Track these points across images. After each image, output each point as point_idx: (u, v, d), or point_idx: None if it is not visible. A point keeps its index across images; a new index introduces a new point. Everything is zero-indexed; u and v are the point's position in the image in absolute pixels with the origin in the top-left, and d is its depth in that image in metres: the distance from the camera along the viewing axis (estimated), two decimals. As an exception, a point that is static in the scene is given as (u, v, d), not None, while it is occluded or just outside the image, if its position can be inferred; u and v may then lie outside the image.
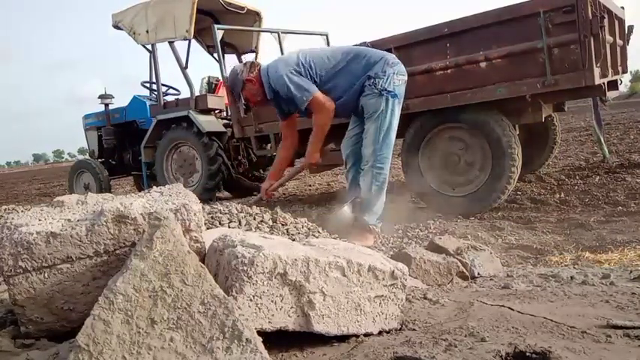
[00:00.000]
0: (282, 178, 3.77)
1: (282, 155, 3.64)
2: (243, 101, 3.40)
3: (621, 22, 3.96)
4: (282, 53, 6.21)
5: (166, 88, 6.65)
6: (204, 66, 7.18)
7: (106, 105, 6.94)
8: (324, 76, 3.22)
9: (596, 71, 3.23)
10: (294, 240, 1.88)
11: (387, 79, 3.14)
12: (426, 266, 2.03)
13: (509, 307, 1.47)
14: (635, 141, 6.85)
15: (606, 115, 11.73)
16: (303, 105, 3.19)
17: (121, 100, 7.85)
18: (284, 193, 6.53)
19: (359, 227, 3.19)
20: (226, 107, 5.84)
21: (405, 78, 3.28)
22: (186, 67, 5.96)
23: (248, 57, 6.73)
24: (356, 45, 3.98)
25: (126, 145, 7.02)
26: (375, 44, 3.88)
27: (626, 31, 4.06)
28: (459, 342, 1.20)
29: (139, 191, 2.62)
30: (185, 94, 6.27)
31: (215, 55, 6.04)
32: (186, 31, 5.46)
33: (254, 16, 6.44)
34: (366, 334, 1.35)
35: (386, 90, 3.13)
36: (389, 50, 3.74)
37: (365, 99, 3.19)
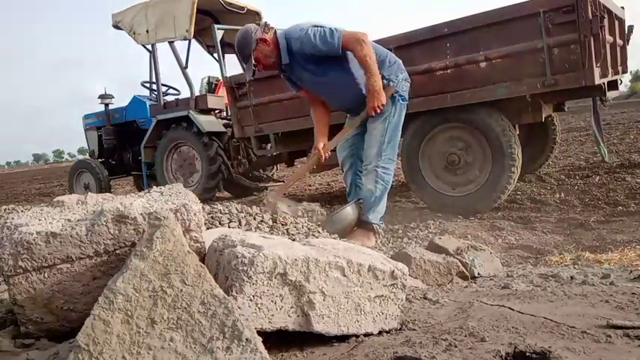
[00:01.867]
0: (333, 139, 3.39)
1: (318, 117, 3.34)
2: (252, 62, 3.13)
3: (621, 22, 3.96)
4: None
5: (166, 88, 6.66)
6: (204, 66, 7.19)
7: (106, 105, 6.94)
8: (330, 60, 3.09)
9: (596, 71, 3.24)
10: (294, 240, 1.88)
11: (398, 83, 3.16)
12: (426, 266, 2.03)
13: (509, 307, 1.47)
14: (635, 141, 6.85)
15: (606, 115, 11.74)
16: (338, 46, 2.94)
17: (121, 100, 7.86)
18: (284, 193, 6.52)
19: (363, 227, 3.18)
20: (226, 107, 5.83)
21: (409, 84, 3.30)
22: (186, 67, 5.97)
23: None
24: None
25: (126, 145, 7.02)
26: (374, 44, 3.88)
27: (626, 31, 4.06)
28: (459, 342, 1.20)
29: (139, 191, 2.62)
30: (185, 94, 6.28)
31: (215, 55, 6.04)
32: (186, 31, 5.46)
33: (254, 16, 6.43)
34: (366, 334, 1.35)
35: (399, 93, 3.15)
36: (389, 50, 3.73)
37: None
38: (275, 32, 3.14)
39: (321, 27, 3.01)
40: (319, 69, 3.13)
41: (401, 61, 3.31)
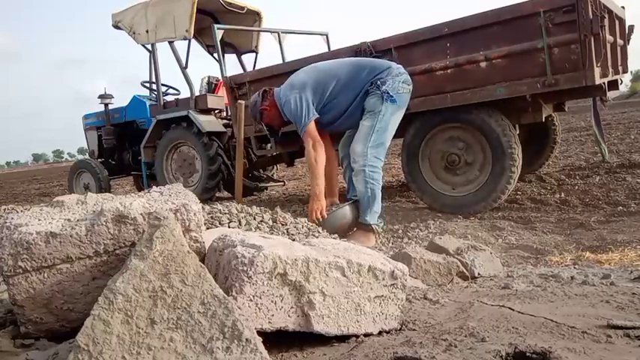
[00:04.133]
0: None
1: (324, 170, 3.30)
2: (266, 127, 3.62)
3: (621, 21, 3.95)
4: (282, 53, 6.22)
5: (166, 88, 6.65)
6: (204, 66, 7.18)
7: (106, 105, 6.93)
8: (332, 91, 3.27)
9: (597, 71, 3.23)
10: (294, 240, 1.88)
11: (391, 84, 3.19)
12: (426, 266, 2.03)
13: (509, 307, 1.46)
14: (636, 141, 6.85)
15: (606, 115, 11.74)
16: (300, 131, 3.25)
17: (121, 100, 7.86)
18: (284, 193, 6.53)
19: (361, 228, 3.19)
20: (226, 107, 5.83)
21: (410, 87, 3.32)
22: (186, 67, 5.96)
23: (248, 57, 6.74)
24: (356, 45, 3.98)
25: (126, 145, 7.02)
26: (375, 44, 3.88)
27: (627, 31, 4.06)
28: (459, 342, 1.20)
29: (139, 191, 2.62)
30: (185, 94, 6.27)
31: (215, 55, 6.03)
32: (186, 31, 5.46)
33: (254, 16, 6.43)
34: (366, 334, 1.35)
35: (387, 93, 3.16)
36: (389, 50, 3.74)
37: (367, 98, 3.23)
38: (273, 94, 3.41)
39: (298, 104, 3.20)
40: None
41: (402, 68, 3.35)
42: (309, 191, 3.31)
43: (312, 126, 3.20)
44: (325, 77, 3.29)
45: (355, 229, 3.22)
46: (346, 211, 3.23)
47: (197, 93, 5.86)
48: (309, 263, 1.28)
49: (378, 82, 3.19)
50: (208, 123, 5.57)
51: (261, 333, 1.17)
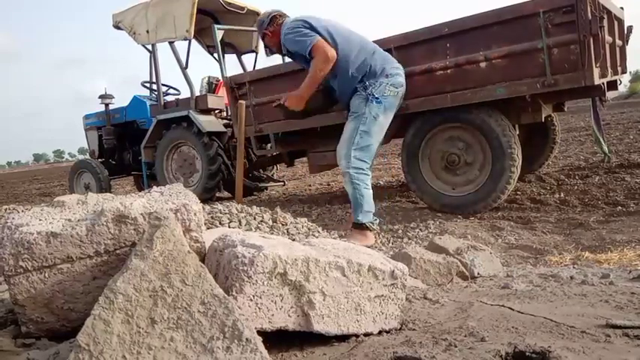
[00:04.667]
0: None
1: None
2: (265, 46, 3.62)
3: (621, 22, 3.96)
4: (282, 53, 6.22)
5: (166, 88, 6.66)
6: (204, 66, 7.19)
7: (106, 105, 6.94)
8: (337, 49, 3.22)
9: (596, 71, 3.24)
10: (294, 240, 1.89)
11: (377, 87, 3.19)
12: (426, 266, 2.03)
13: (509, 307, 1.47)
14: (635, 141, 6.85)
15: (606, 115, 11.75)
16: (307, 50, 3.13)
17: (121, 100, 7.86)
18: (284, 193, 6.53)
19: (356, 228, 3.19)
20: (226, 107, 5.84)
21: (399, 90, 3.31)
22: (187, 67, 5.96)
23: (248, 57, 6.75)
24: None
25: (126, 145, 7.02)
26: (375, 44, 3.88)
27: (626, 32, 4.06)
28: (459, 342, 1.20)
29: (139, 191, 2.63)
30: (185, 94, 6.28)
31: (215, 55, 6.04)
32: (187, 31, 5.46)
33: (254, 16, 6.43)
34: (366, 334, 1.35)
35: (373, 95, 3.17)
36: (389, 50, 3.74)
37: (353, 98, 3.25)
38: (281, 23, 3.38)
39: (297, 30, 3.17)
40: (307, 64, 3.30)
41: (398, 68, 3.35)
42: (297, 91, 3.31)
43: (320, 41, 3.10)
44: (337, 32, 3.25)
45: (351, 230, 3.22)
46: None
47: (197, 93, 5.87)
48: (309, 263, 1.28)
49: (366, 83, 3.19)
50: (208, 123, 5.58)
51: (261, 333, 1.17)
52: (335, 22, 3.38)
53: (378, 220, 3.32)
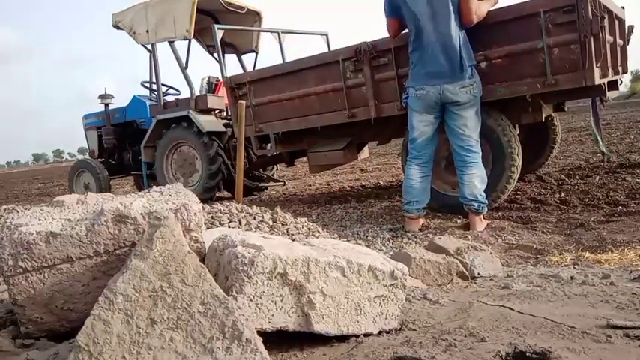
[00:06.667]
0: None
1: None
2: None
3: (621, 22, 3.95)
4: (282, 53, 6.22)
5: (166, 88, 6.66)
6: (204, 66, 7.19)
7: (106, 105, 6.94)
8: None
9: (596, 71, 3.23)
10: (294, 240, 1.89)
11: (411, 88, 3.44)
12: (426, 266, 2.03)
13: (509, 307, 1.47)
14: (635, 141, 6.85)
15: (606, 115, 11.75)
16: None
17: (121, 100, 7.86)
18: (284, 193, 6.53)
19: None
20: (226, 107, 5.84)
21: (420, 92, 3.39)
22: (186, 67, 5.96)
23: (248, 57, 6.75)
24: (356, 45, 3.98)
25: (126, 145, 7.03)
26: (375, 44, 3.88)
27: (626, 31, 4.06)
28: (459, 342, 1.20)
29: (139, 191, 2.63)
30: (185, 94, 6.28)
31: (215, 55, 6.04)
32: (186, 31, 5.46)
33: (254, 16, 6.44)
34: (366, 334, 1.35)
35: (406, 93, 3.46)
36: (389, 50, 3.73)
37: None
38: None
39: None
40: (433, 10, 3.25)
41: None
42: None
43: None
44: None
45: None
46: None
47: (197, 93, 5.87)
48: (309, 263, 1.28)
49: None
50: (208, 123, 5.58)
51: (261, 333, 1.17)
52: None
53: (415, 208, 3.51)
